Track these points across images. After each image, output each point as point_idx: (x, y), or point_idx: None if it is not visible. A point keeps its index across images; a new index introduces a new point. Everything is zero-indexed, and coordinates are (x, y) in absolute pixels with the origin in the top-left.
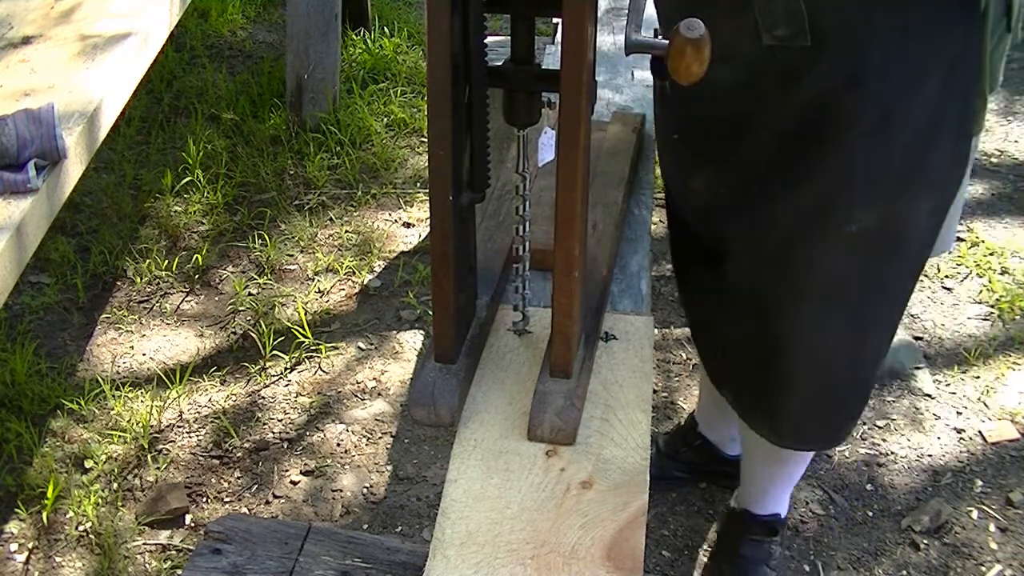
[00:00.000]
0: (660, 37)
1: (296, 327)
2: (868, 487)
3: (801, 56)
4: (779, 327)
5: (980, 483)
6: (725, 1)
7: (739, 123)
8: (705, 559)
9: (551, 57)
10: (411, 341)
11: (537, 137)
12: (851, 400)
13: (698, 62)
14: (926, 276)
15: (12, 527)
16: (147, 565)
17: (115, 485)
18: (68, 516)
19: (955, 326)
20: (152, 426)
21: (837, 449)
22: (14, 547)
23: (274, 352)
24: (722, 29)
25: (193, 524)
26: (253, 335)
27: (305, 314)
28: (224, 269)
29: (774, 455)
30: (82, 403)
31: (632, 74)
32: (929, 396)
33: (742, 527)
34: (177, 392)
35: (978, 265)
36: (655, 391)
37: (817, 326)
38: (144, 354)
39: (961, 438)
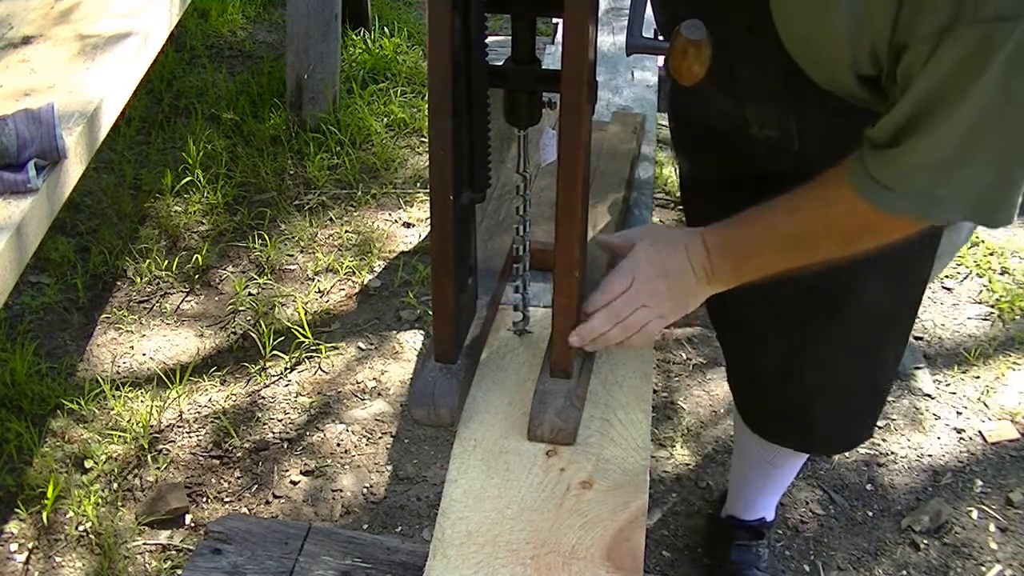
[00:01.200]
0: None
1: (296, 327)
2: (868, 487)
3: (786, 148)
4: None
5: (980, 483)
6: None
7: (722, 136)
8: (706, 560)
9: (551, 57)
10: (411, 341)
11: (538, 137)
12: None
13: (699, 62)
14: None
15: (12, 527)
16: (147, 565)
17: (115, 485)
18: (68, 516)
19: (955, 326)
20: (152, 426)
21: None
22: (14, 547)
23: (274, 352)
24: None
25: (193, 524)
26: (253, 335)
27: (305, 314)
28: (224, 269)
29: (769, 461)
30: (82, 403)
31: (632, 74)
32: (929, 396)
33: (729, 533)
34: (177, 392)
35: (978, 265)
36: (655, 391)
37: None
38: (144, 354)
39: (961, 438)
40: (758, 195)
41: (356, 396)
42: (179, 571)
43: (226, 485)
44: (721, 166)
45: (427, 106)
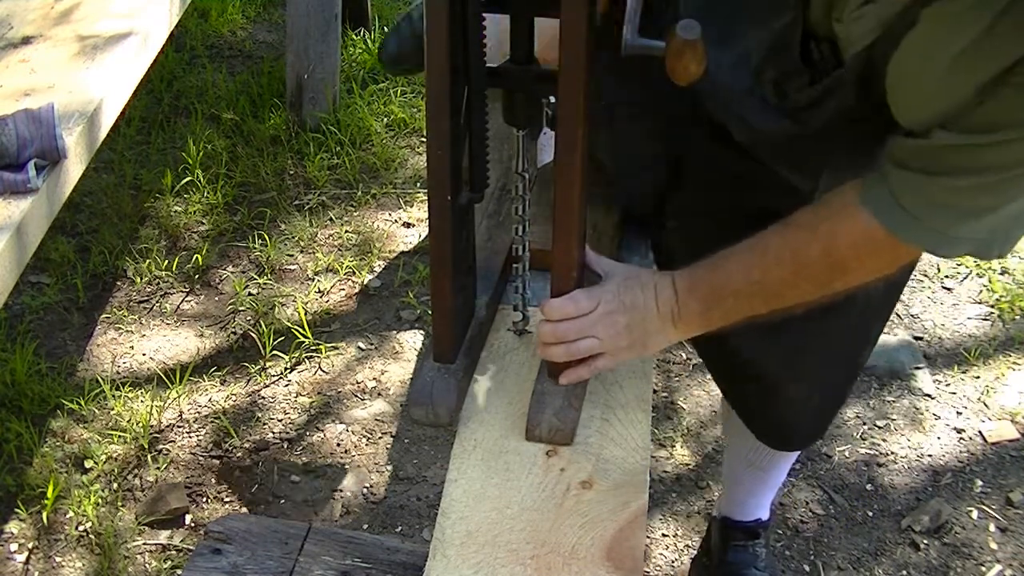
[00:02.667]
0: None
1: (296, 327)
2: (868, 487)
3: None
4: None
5: (980, 483)
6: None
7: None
8: (704, 560)
9: None
10: (411, 341)
11: (537, 137)
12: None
13: (696, 62)
14: (926, 276)
15: (12, 527)
16: (147, 565)
17: (115, 485)
18: (68, 516)
19: (955, 326)
20: (152, 426)
21: (837, 449)
22: (14, 547)
23: (274, 352)
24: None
25: (193, 524)
26: (253, 335)
27: (305, 314)
28: (224, 269)
29: (755, 464)
30: (82, 403)
31: None
32: (929, 396)
33: (725, 534)
34: (177, 392)
35: (978, 265)
36: (655, 391)
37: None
38: (144, 354)
39: (961, 438)
40: (746, 230)
41: (356, 396)
42: (179, 571)
43: (226, 485)
44: (715, 198)
45: (426, 106)
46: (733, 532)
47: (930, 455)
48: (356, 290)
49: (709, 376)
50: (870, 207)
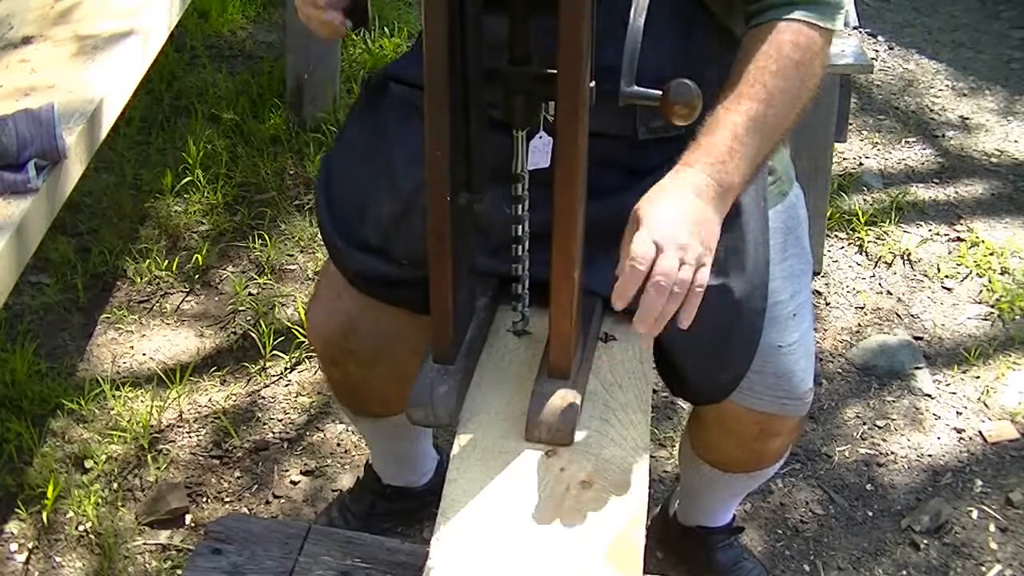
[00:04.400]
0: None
1: (296, 327)
2: (868, 487)
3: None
4: None
5: (980, 483)
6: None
7: None
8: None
9: None
10: None
11: (531, 140)
12: None
13: (689, 108)
14: (926, 276)
15: (12, 527)
16: (147, 565)
17: (115, 485)
18: (68, 516)
19: (955, 326)
20: (152, 426)
21: (837, 449)
22: (14, 547)
23: (274, 352)
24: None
25: (193, 524)
26: (253, 335)
27: (305, 314)
28: (224, 269)
29: (718, 480)
30: (82, 403)
31: None
32: (929, 396)
33: (708, 541)
34: (177, 392)
35: (978, 265)
36: (655, 391)
37: None
38: (144, 354)
39: (961, 438)
40: None
41: None
42: (179, 571)
43: (226, 485)
44: None
45: (424, 106)
46: (717, 535)
47: (930, 455)
48: None
49: None
50: (790, 14)
